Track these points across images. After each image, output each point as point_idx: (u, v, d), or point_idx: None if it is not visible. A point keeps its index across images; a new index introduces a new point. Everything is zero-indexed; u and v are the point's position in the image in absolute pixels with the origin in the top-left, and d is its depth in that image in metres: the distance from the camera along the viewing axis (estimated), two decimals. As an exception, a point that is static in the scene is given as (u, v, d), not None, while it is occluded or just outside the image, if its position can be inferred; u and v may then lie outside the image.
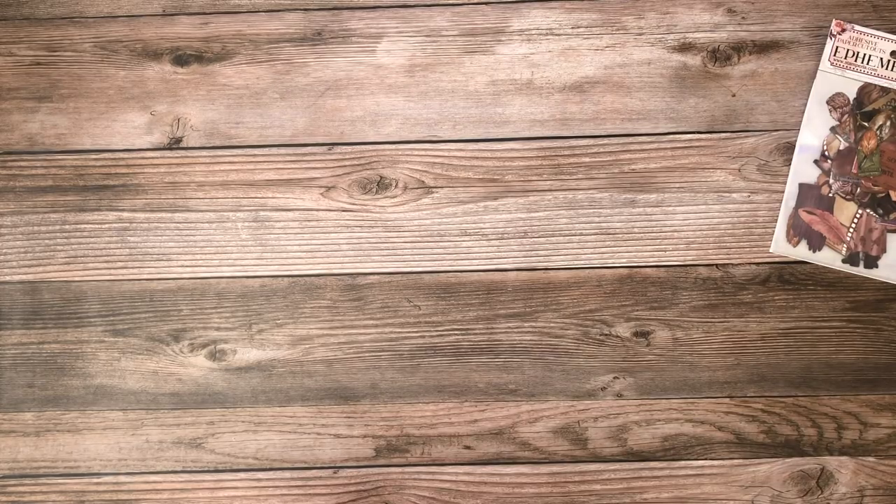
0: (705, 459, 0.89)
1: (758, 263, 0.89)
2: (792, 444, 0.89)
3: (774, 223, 0.88)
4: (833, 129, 0.88)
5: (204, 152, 0.91)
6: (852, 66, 0.87)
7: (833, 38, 0.88)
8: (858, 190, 0.87)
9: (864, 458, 0.89)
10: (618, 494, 0.89)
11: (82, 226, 0.91)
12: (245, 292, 0.91)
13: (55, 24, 0.92)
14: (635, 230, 0.89)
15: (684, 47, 0.89)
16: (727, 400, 0.89)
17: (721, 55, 0.89)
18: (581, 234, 0.89)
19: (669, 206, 0.89)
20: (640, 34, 0.89)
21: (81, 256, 0.91)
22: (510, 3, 0.90)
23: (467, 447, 0.91)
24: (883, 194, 0.87)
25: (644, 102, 0.89)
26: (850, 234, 0.87)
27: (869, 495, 0.89)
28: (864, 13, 0.88)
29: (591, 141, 0.90)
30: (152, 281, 0.91)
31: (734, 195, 0.89)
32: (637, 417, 0.90)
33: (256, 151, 0.91)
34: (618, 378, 0.90)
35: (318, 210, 0.91)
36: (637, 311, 0.90)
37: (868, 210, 0.87)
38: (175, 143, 0.91)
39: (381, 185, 0.90)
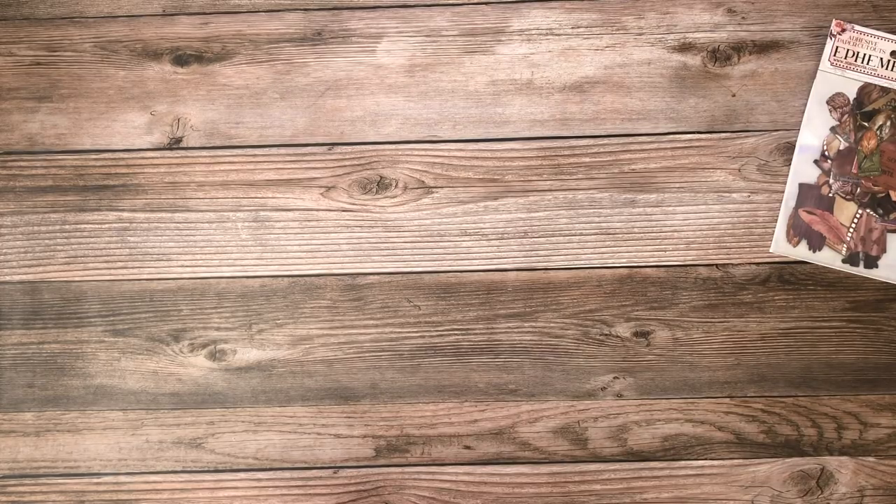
0: (705, 459, 0.89)
1: (758, 263, 0.89)
2: (792, 444, 0.89)
3: (774, 223, 0.88)
4: (833, 129, 0.88)
5: (204, 152, 0.91)
6: (852, 66, 0.87)
7: (833, 38, 0.88)
8: (858, 190, 0.87)
9: (864, 458, 0.89)
10: (618, 494, 0.89)
11: (82, 226, 0.91)
12: (245, 292, 0.91)
13: (55, 24, 0.92)
14: (635, 230, 0.89)
15: (684, 47, 0.89)
16: (727, 400, 0.89)
17: (721, 55, 0.89)
18: (581, 234, 0.89)
19: (669, 206, 0.89)
20: (640, 34, 0.89)
21: (81, 256, 0.91)
22: (510, 3, 0.90)
23: (467, 447, 0.91)
24: (883, 194, 0.87)
25: (644, 102, 0.89)
26: (850, 234, 0.87)
27: (869, 495, 0.89)
28: (864, 13, 0.88)
29: (591, 141, 0.90)
30: (152, 281, 0.91)
31: (734, 195, 0.89)
32: (637, 417, 0.90)
33: (256, 151, 0.91)
34: (618, 378, 0.90)
35: (318, 210, 0.91)
36: (637, 311, 0.90)
37: (868, 210, 0.87)
38: (175, 143, 0.91)
39: (381, 185, 0.90)
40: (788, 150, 0.89)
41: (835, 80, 0.88)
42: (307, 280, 0.91)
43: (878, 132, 0.87)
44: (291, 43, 0.91)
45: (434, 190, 0.90)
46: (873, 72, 0.87)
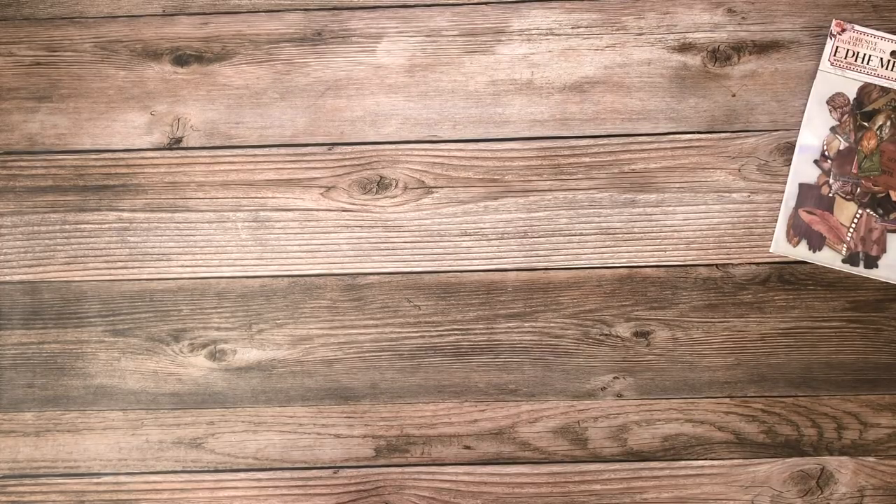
0: (705, 459, 0.89)
1: (758, 263, 0.89)
2: (792, 444, 0.89)
3: (774, 223, 0.88)
4: (833, 129, 0.88)
5: (204, 152, 0.91)
6: (852, 66, 0.87)
7: (833, 38, 0.88)
8: (858, 190, 0.87)
9: (864, 458, 0.89)
10: (618, 494, 0.89)
11: (82, 226, 0.91)
12: (245, 292, 0.91)
13: (55, 24, 0.92)
14: (635, 230, 0.89)
15: (684, 47, 0.89)
16: (727, 400, 0.89)
17: (721, 55, 0.89)
18: (581, 234, 0.89)
19: (669, 206, 0.89)
20: (640, 34, 0.89)
21: (81, 256, 0.91)
22: (510, 3, 0.90)
23: (467, 447, 0.91)
24: (883, 194, 0.87)
25: (644, 102, 0.89)
26: (850, 234, 0.87)
27: (869, 495, 0.89)
28: (864, 13, 0.88)
29: (591, 141, 0.90)
30: (152, 281, 0.91)
31: (734, 195, 0.89)
32: (637, 417, 0.90)
33: (256, 151, 0.91)
34: (618, 378, 0.90)
35: (318, 210, 0.91)
36: (637, 311, 0.90)
37: (868, 210, 0.87)
38: (175, 143, 0.91)
39: (381, 185, 0.90)
40: (788, 150, 0.89)
41: (835, 80, 0.88)
42: (307, 280, 0.91)
43: (878, 132, 0.87)
44: (291, 43, 0.91)
45: (434, 190, 0.90)
46: (873, 72, 0.87)
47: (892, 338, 0.89)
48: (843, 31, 0.87)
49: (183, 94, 0.91)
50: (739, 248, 0.89)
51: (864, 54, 0.87)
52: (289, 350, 0.91)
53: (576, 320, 0.90)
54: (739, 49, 0.89)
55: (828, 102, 0.88)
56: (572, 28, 0.90)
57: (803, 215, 0.88)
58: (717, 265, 0.89)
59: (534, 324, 0.90)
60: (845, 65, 0.87)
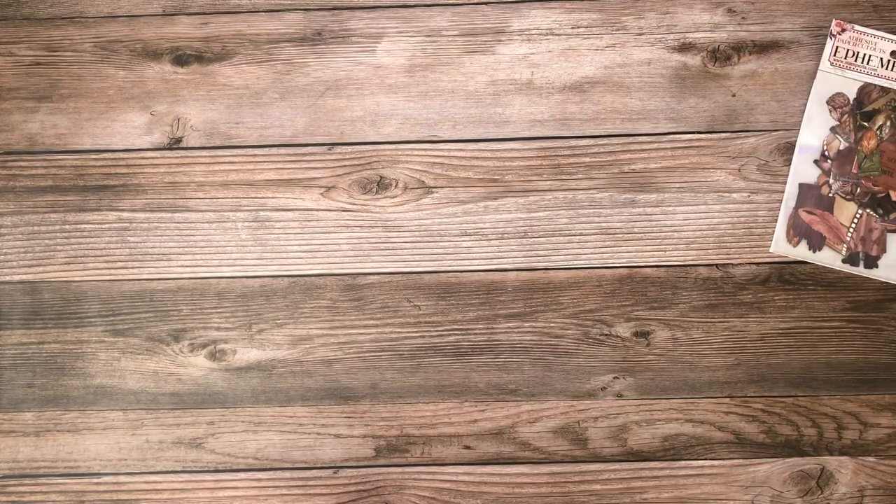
0: (705, 459, 0.89)
1: (758, 263, 0.89)
2: (792, 444, 0.89)
3: (774, 223, 0.88)
4: (833, 129, 0.88)
5: (204, 152, 0.91)
6: (852, 66, 0.87)
7: (833, 38, 0.88)
8: (858, 190, 0.87)
9: (864, 458, 0.89)
10: (618, 494, 0.89)
11: (82, 226, 0.91)
12: (245, 292, 0.91)
13: (55, 24, 0.92)
14: (635, 230, 0.89)
15: (684, 47, 0.89)
16: (727, 400, 0.89)
17: (721, 55, 0.89)
18: (581, 234, 0.89)
19: (669, 206, 0.89)
20: (640, 34, 0.89)
21: (81, 256, 0.91)
22: (510, 3, 0.90)
23: (467, 447, 0.91)
24: (883, 194, 0.87)
25: (644, 102, 0.89)
26: (850, 234, 0.87)
27: (869, 495, 0.89)
28: (864, 13, 0.88)
29: (591, 141, 0.90)
30: (152, 281, 0.91)
31: (734, 195, 0.89)
32: (637, 417, 0.90)
33: (256, 151, 0.91)
34: (618, 378, 0.90)
35: (318, 210, 0.91)
36: (637, 311, 0.90)
37: (868, 210, 0.87)
38: (175, 143, 0.91)
39: (381, 185, 0.90)
40: (788, 150, 0.89)
41: (835, 80, 0.88)
42: (307, 280, 0.91)
43: (878, 132, 0.87)
44: (291, 43, 0.91)
45: (434, 190, 0.90)
46: (873, 72, 0.87)
47: (892, 338, 0.89)
48: (843, 31, 0.87)
49: (183, 94, 0.91)
50: (739, 248, 0.89)
51: (864, 54, 0.87)
52: (289, 350, 0.91)
53: (576, 320, 0.90)
54: (739, 49, 0.89)
55: (828, 102, 0.88)
56: (572, 28, 0.90)
57: (803, 215, 0.88)
58: (717, 265, 0.89)
59: (534, 324, 0.90)
60: (845, 65, 0.87)
